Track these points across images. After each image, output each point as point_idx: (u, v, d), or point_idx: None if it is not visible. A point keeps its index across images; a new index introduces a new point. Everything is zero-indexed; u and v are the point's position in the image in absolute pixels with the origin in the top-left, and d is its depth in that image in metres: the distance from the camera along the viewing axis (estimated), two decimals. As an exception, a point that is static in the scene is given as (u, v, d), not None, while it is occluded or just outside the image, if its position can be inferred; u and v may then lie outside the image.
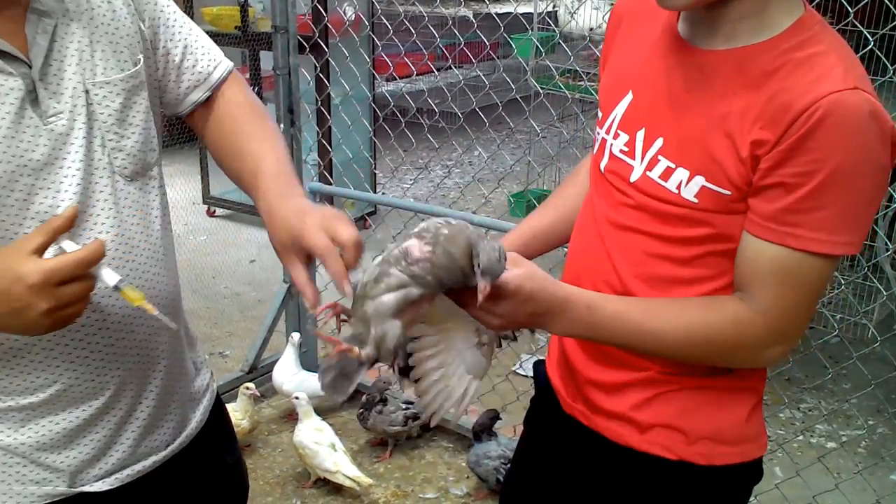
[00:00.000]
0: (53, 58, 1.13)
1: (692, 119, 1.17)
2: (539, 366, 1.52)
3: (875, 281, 2.88)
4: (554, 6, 4.11)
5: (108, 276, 1.05)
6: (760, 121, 1.09)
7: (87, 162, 1.15)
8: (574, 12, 4.10)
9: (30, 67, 1.10)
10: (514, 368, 3.68)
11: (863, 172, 1.07)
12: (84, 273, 1.01)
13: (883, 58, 2.45)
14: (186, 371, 1.37)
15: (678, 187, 1.18)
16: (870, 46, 2.35)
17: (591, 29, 3.79)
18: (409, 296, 1.07)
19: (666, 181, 1.19)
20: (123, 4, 1.22)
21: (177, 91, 1.33)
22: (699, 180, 1.15)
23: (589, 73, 3.70)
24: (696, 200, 1.16)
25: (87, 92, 1.15)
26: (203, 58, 1.33)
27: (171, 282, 1.31)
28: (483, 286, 1.04)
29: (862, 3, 2.38)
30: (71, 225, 1.04)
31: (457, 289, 1.10)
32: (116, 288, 1.05)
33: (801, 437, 3.30)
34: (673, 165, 1.18)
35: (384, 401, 3.08)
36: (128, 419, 1.26)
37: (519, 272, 1.10)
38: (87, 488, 1.24)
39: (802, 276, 1.12)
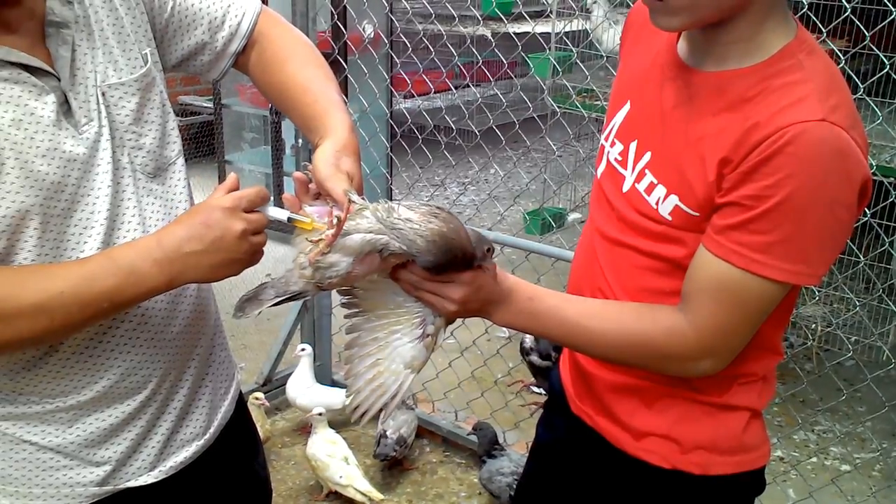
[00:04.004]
0: (77, 67, 1.15)
1: (674, 137, 1.19)
2: (554, 371, 1.55)
3: (890, 303, 2.87)
4: (588, 22, 4.12)
5: (277, 212, 1.14)
6: (731, 145, 1.09)
7: (113, 164, 1.17)
8: (593, 30, 4.12)
9: (58, 80, 1.12)
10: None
11: (816, 205, 1.05)
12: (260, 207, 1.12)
13: (899, 81, 2.46)
14: (217, 357, 1.40)
15: (657, 203, 1.20)
16: (885, 70, 2.36)
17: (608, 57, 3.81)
18: (375, 242, 1.09)
19: (649, 195, 1.21)
20: (123, 2, 1.22)
21: (214, 49, 1.35)
22: (673, 199, 1.17)
23: (606, 92, 3.72)
24: (670, 218, 1.18)
25: (102, 95, 1.17)
26: (230, 10, 1.35)
27: None
28: (492, 265, 1.17)
29: (879, 27, 2.39)
30: (237, 185, 1.14)
31: (422, 269, 1.13)
32: (289, 220, 1.14)
33: (814, 459, 3.28)
34: (655, 181, 1.20)
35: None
36: (165, 407, 1.29)
37: None
38: (131, 483, 1.27)
39: (741, 296, 1.12)
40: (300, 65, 1.37)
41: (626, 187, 1.26)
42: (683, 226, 1.17)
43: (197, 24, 1.32)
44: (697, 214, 1.15)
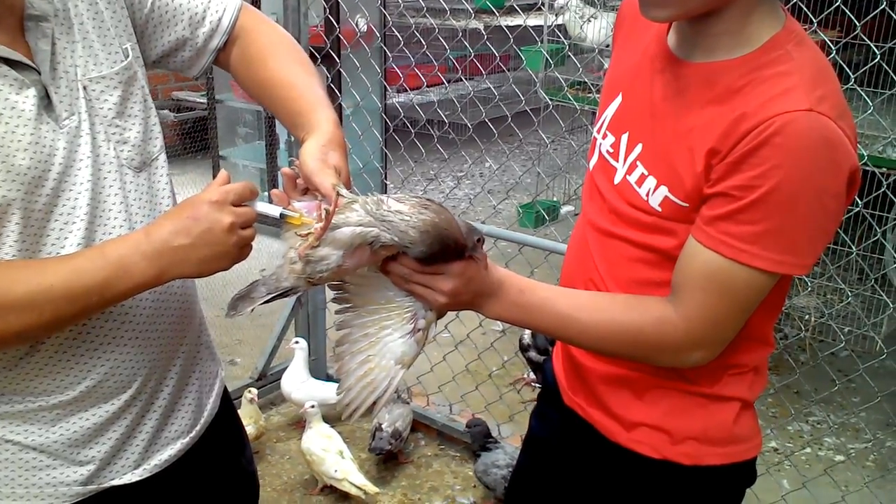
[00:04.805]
0: (57, 61, 1.14)
1: (664, 129, 1.19)
2: (548, 363, 1.56)
3: (882, 294, 2.88)
4: (563, 17, 4.14)
5: (266, 207, 1.13)
6: (719, 135, 1.10)
7: (93, 157, 1.17)
8: (583, 25, 4.12)
9: (38, 74, 1.12)
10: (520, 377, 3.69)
11: (804, 194, 1.06)
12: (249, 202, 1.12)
13: (891, 72, 2.46)
14: (202, 355, 1.40)
15: (647, 194, 1.20)
16: (876, 60, 2.37)
17: (600, 50, 3.81)
18: (365, 234, 1.09)
19: (639, 187, 1.21)
20: None
21: (195, 45, 1.35)
22: (663, 190, 1.18)
23: (598, 84, 3.72)
24: (660, 209, 1.19)
25: (84, 88, 1.17)
26: (211, 6, 1.35)
27: None
28: (482, 255, 1.17)
29: (870, 17, 2.40)
30: (229, 181, 1.13)
31: (412, 261, 1.12)
32: (282, 216, 1.13)
33: (808, 450, 3.29)
34: (646, 172, 1.21)
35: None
36: (150, 406, 1.29)
37: None
38: (116, 481, 1.27)
39: (729, 286, 1.12)
40: (284, 61, 1.36)
41: (617, 179, 1.26)
42: (673, 217, 1.18)
43: (177, 20, 1.32)
44: (686, 205, 1.15)
